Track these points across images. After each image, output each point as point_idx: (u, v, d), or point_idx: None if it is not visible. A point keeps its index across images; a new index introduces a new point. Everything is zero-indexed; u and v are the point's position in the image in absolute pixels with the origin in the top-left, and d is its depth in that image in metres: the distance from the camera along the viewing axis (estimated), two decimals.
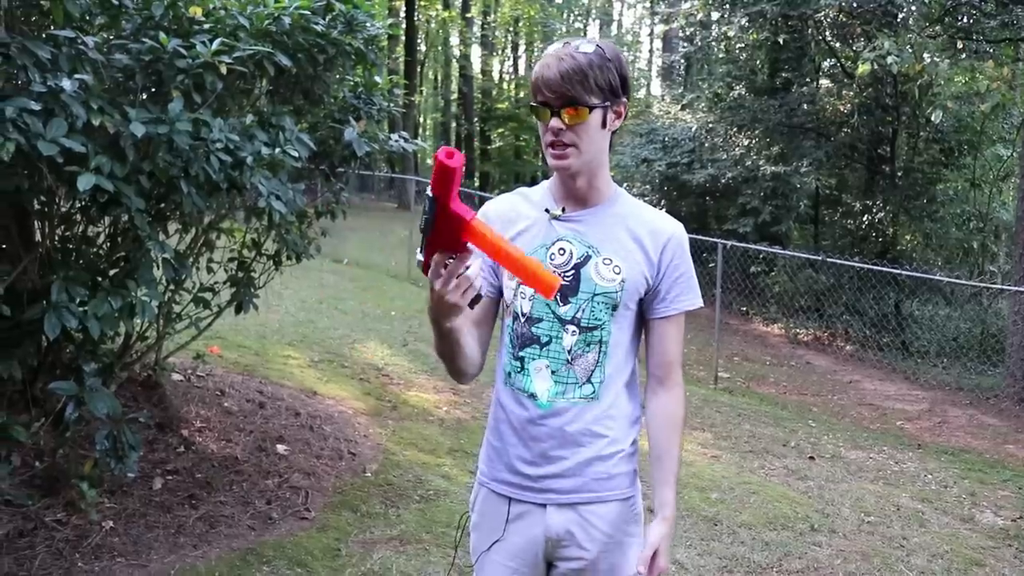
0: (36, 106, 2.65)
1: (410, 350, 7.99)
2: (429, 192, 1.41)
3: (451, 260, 1.46)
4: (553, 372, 1.79)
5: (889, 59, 9.60)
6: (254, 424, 4.99)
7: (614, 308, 1.79)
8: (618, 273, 1.78)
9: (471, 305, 1.52)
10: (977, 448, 7.30)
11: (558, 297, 1.77)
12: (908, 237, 14.75)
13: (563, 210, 1.83)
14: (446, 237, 1.45)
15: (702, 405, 7.65)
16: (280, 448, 4.72)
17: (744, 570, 4.09)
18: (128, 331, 4.01)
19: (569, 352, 1.79)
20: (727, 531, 4.54)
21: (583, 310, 1.78)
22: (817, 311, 13.16)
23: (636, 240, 1.81)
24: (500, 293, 1.90)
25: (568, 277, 1.78)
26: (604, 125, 1.75)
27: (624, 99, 1.78)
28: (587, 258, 1.79)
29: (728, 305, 12.45)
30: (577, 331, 1.78)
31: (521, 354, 1.82)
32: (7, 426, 3.10)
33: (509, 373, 1.85)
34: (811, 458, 6.29)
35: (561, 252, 1.80)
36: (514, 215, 1.87)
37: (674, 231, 1.86)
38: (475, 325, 1.83)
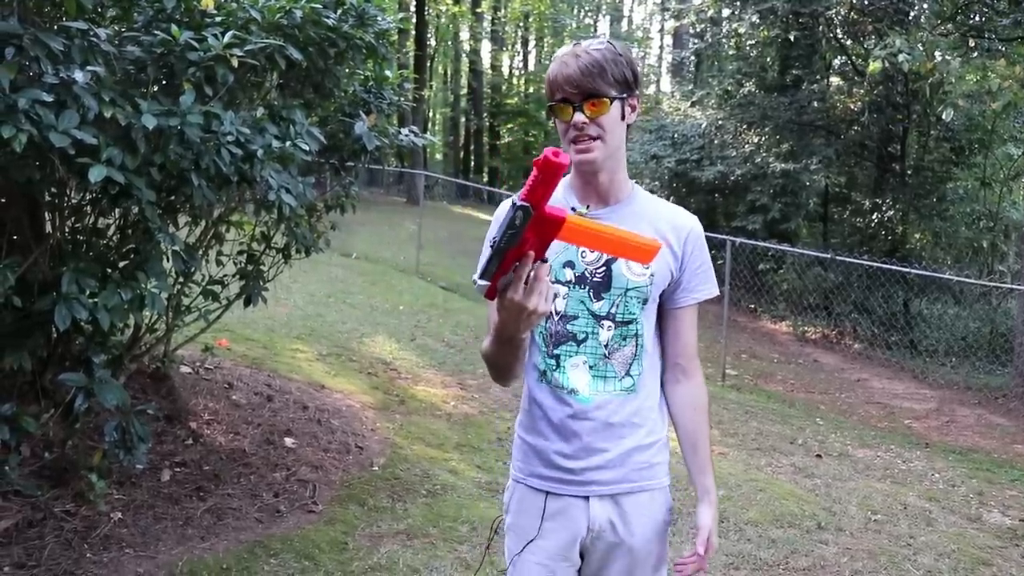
0: (48, 97, 2.65)
1: (418, 345, 8.00)
2: (520, 201, 1.32)
3: (526, 268, 1.41)
4: (591, 367, 1.84)
5: (900, 57, 9.56)
6: (262, 417, 5.00)
7: (645, 302, 1.84)
8: (647, 269, 1.83)
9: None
10: (985, 448, 7.27)
11: (591, 293, 1.83)
12: (917, 236, 14.70)
13: (588, 207, 1.86)
14: (532, 245, 1.38)
15: (709, 402, 7.62)
16: (288, 441, 4.73)
17: (750, 567, 4.09)
18: (137, 323, 4.02)
19: (606, 347, 1.84)
20: (734, 528, 4.53)
21: (617, 305, 1.83)
22: (825, 309, 13.13)
23: (660, 235, 1.85)
24: None
25: (600, 274, 1.83)
26: (623, 117, 1.80)
27: (637, 92, 1.83)
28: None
29: (736, 302, 12.45)
30: (613, 326, 1.84)
31: (556, 352, 1.86)
32: (17, 417, 3.11)
33: (544, 371, 1.87)
34: (818, 456, 6.27)
35: (591, 250, 1.84)
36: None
37: (693, 225, 1.92)
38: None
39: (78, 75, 2.75)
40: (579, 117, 1.75)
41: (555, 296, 1.81)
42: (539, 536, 1.88)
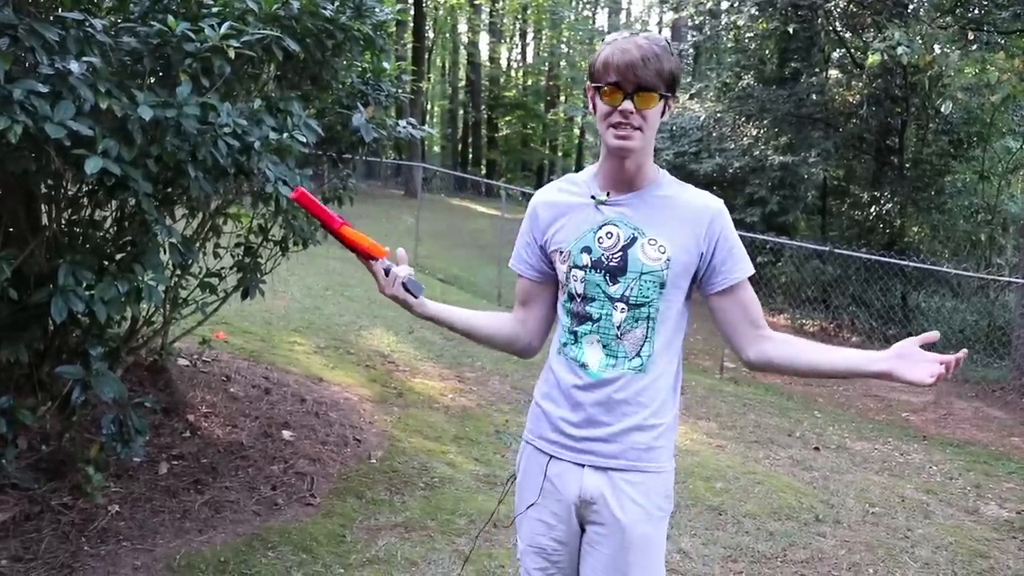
0: (44, 88, 2.64)
1: (416, 337, 7.99)
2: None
3: (374, 263, 1.98)
4: (604, 346, 1.91)
5: (899, 50, 9.56)
6: (260, 410, 4.99)
7: (662, 286, 1.89)
8: (663, 252, 1.88)
9: (412, 294, 2.01)
10: (982, 440, 7.29)
11: (607, 277, 1.89)
12: (915, 229, 14.71)
13: (608, 195, 1.93)
14: (353, 248, 1.97)
15: (707, 395, 7.64)
16: (286, 434, 4.73)
17: (748, 560, 4.09)
18: (135, 315, 4.01)
19: (618, 328, 1.90)
20: (732, 521, 4.54)
21: (631, 288, 1.88)
22: (823, 302, 13.15)
23: (681, 220, 1.90)
24: (544, 276, 2.06)
25: (617, 259, 1.89)
26: (663, 114, 1.87)
27: (675, 95, 1.90)
28: (633, 239, 1.89)
29: None
30: (626, 308, 1.89)
31: (576, 329, 1.95)
32: (14, 409, 3.10)
33: (564, 344, 1.98)
34: (816, 449, 6.28)
35: (608, 235, 1.91)
36: (561, 203, 2.00)
37: (718, 207, 1.94)
38: (521, 305, 2.13)
39: (74, 66, 2.73)
40: (628, 105, 1.81)
41: (576, 279, 1.94)
42: (540, 496, 2.00)
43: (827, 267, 13.07)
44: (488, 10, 34.28)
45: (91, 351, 3.21)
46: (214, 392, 5.00)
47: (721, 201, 1.97)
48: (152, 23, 3.17)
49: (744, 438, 6.34)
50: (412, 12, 25.09)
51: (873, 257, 10.46)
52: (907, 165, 14.55)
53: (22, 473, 3.44)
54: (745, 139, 15.57)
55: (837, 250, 11.15)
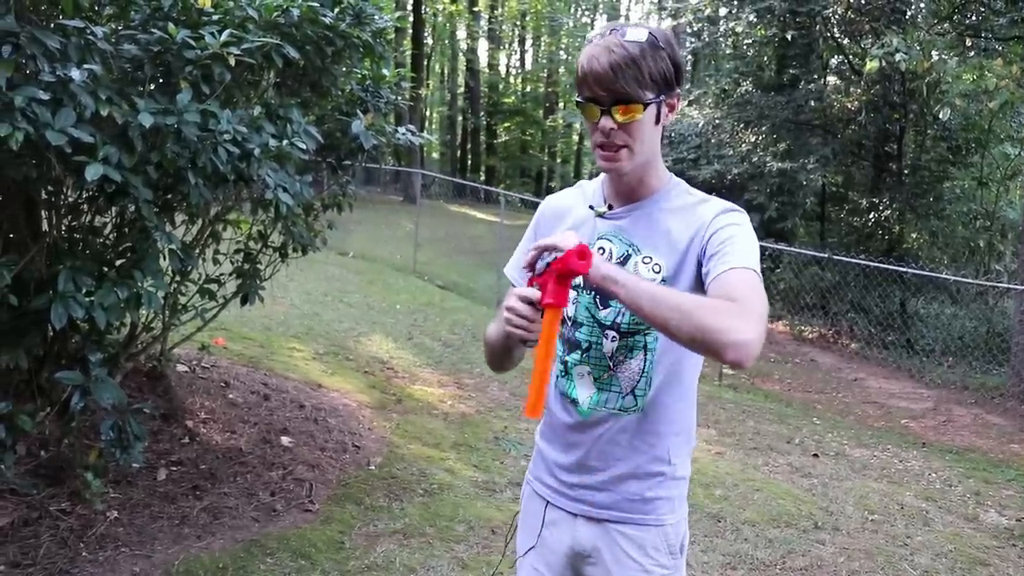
0: (45, 96, 2.65)
1: (415, 344, 7.99)
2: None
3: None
4: (596, 379, 1.71)
5: (897, 56, 9.58)
6: (259, 416, 4.99)
7: None
8: (658, 272, 1.64)
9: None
10: (982, 447, 7.28)
11: (598, 300, 1.69)
12: (914, 235, 14.71)
13: (609, 207, 1.72)
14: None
15: (706, 402, 7.64)
16: (284, 440, 4.73)
17: (748, 567, 4.09)
18: (134, 321, 4.01)
19: (611, 358, 1.69)
20: (731, 528, 4.53)
21: (622, 314, 1.66)
22: (822, 308, 13.14)
23: (681, 234, 1.64)
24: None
25: None
26: (658, 121, 1.61)
27: (677, 90, 1.62)
28: (627, 257, 1.68)
29: None
30: (617, 336, 1.67)
31: (566, 358, 1.75)
32: (13, 415, 3.10)
33: (558, 376, 1.78)
34: (815, 456, 6.28)
35: (601, 251, 1.69)
36: (565, 212, 1.81)
37: (720, 209, 1.64)
38: None
39: (75, 73, 2.74)
40: (606, 122, 1.57)
41: (570, 300, 1.69)
42: (539, 543, 1.83)
43: (826, 273, 13.07)
44: (487, 17, 34.36)
45: (90, 357, 3.22)
46: (213, 398, 5.00)
47: (725, 206, 1.66)
48: (153, 30, 3.18)
49: (743, 445, 6.34)
50: (411, 19, 25.14)
51: (872, 263, 10.46)
52: (906, 171, 14.56)
53: (21, 479, 3.44)
54: (744, 145, 15.59)
55: (836, 256, 11.16)
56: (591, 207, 1.75)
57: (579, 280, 1.60)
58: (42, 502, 3.50)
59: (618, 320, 1.67)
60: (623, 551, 1.71)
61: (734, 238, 1.57)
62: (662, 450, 1.71)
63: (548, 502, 1.81)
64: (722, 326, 1.36)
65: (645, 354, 1.67)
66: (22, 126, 2.56)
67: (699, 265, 1.60)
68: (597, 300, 1.69)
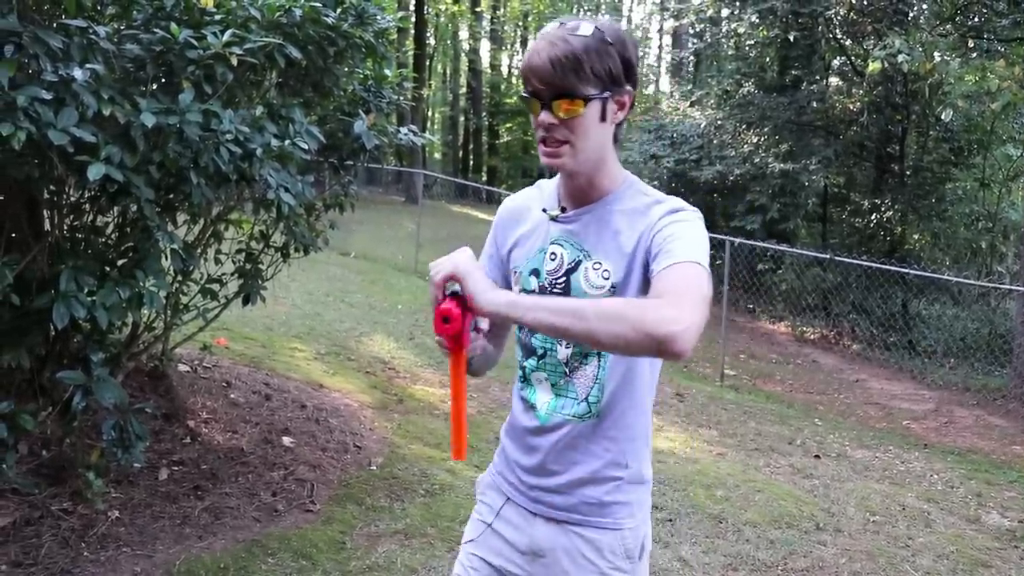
0: (47, 95, 2.65)
1: (416, 344, 7.99)
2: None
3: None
4: (552, 385, 1.70)
5: (900, 57, 9.58)
6: (260, 416, 4.99)
7: None
8: (607, 278, 1.60)
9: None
10: (984, 449, 7.28)
11: None
12: (916, 236, 14.71)
13: (563, 209, 1.69)
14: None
15: (708, 403, 7.64)
16: (286, 440, 4.73)
17: (749, 568, 4.08)
18: (136, 321, 4.01)
19: (566, 365, 1.67)
20: (732, 529, 4.53)
21: None
22: (824, 309, 13.14)
23: (629, 238, 1.60)
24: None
25: (560, 285, 1.66)
26: (604, 118, 1.57)
27: (628, 88, 1.58)
28: (577, 263, 1.64)
29: (735, 302, 12.45)
30: (572, 343, 1.65)
31: (524, 364, 1.75)
32: (15, 414, 3.10)
33: (518, 380, 1.79)
34: (817, 457, 6.27)
35: (553, 257, 1.67)
36: (522, 214, 1.77)
37: (668, 209, 1.58)
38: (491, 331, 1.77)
39: (77, 73, 2.74)
40: (546, 117, 1.54)
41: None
42: (488, 534, 1.82)
43: (828, 274, 13.07)
44: (489, 17, 34.38)
45: (92, 356, 3.22)
46: (215, 398, 5.00)
47: (676, 204, 1.60)
48: (155, 30, 3.19)
49: (745, 446, 6.33)
50: (413, 19, 25.16)
51: (874, 265, 10.46)
52: (908, 172, 14.56)
53: (23, 478, 3.44)
54: (746, 146, 15.58)
55: (838, 257, 11.15)
56: (544, 210, 1.72)
57: (536, 286, 1.66)
58: (44, 502, 3.50)
59: None
60: (580, 553, 1.70)
61: (677, 234, 1.53)
62: (618, 455, 1.69)
63: (508, 498, 1.80)
64: (644, 323, 1.33)
65: (599, 360, 1.65)
66: (24, 125, 2.57)
67: (646, 267, 1.56)
68: None
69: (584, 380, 1.66)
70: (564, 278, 1.65)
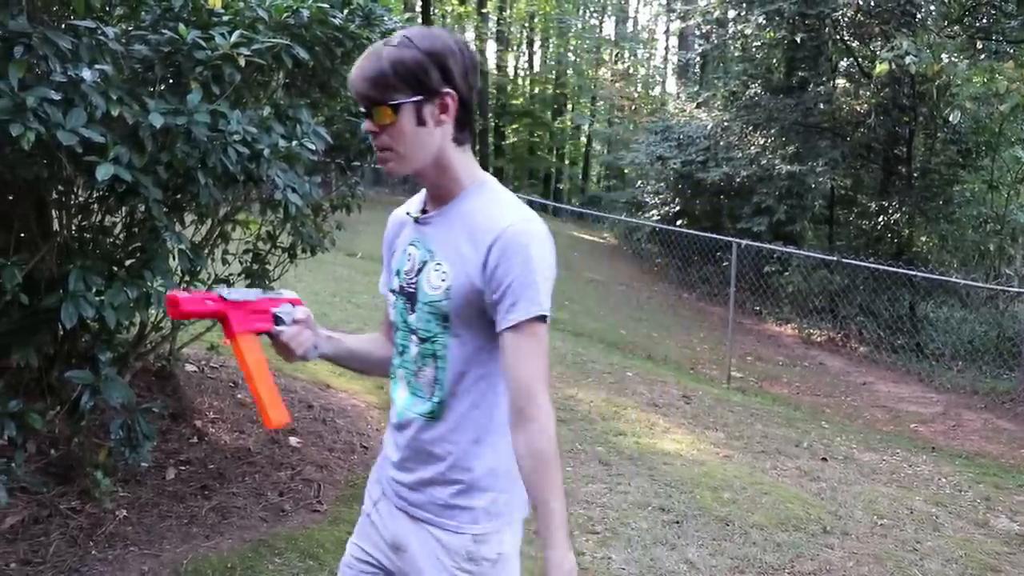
0: (56, 96, 2.65)
1: None
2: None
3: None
4: (407, 383, 1.74)
5: (907, 59, 9.57)
6: None
7: (445, 318, 1.65)
8: (444, 281, 1.64)
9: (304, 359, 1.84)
10: (992, 452, 7.25)
11: (408, 305, 1.72)
12: (924, 238, 14.68)
13: (423, 211, 1.74)
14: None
15: (715, 404, 7.62)
16: (293, 441, 4.73)
17: (756, 571, 4.08)
18: (143, 321, 4.02)
19: (415, 363, 1.71)
20: (739, 531, 4.52)
21: (420, 320, 1.68)
22: (831, 312, 13.12)
23: (469, 241, 1.63)
24: None
25: (412, 285, 1.71)
26: (422, 122, 1.60)
27: (447, 90, 1.60)
28: (424, 264, 1.69)
29: (741, 304, 12.43)
30: (418, 342, 1.70)
31: (393, 361, 1.81)
32: (23, 413, 3.11)
33: (391, 376, 1.84)
34: (824, 459, 6.26)
35: (409, 258, 1.73)
36: (402, 221, 1.82)
37: (504, 229, 1.59)
38: (387, 326, 1.87)
39: (86, 73, 2.75)
40: (368, 125, 1.62)
41: (391, 303, 1.80)
42: (368, 524, 1.86)
43: (835, 277, 13.05)
44: (495, 18, 34.39)
45: (100, 356, 3.22)
46: (221, 398, 5.01)
47: (519, 222, 1.60)
48: (163, 31, 3.19)
49: (751, 448, 6.32)
50: (420, 20, 25.18)
51: (881, 267, 10.43)
52: (915, 174, 14.53)
53: (31, 477, 3.45)
54: (752, 148, 15.58)
55: (845, 260, 11.13)
56: (407, 213, 1.78)
57: (398, 285, 1.75)
58: (52, 500, 3.51)
59: (417, 326, 1.70)
60: (432, 551, 1.72)
61: (519, 273, 1.56)
62: (460, 458, 1.69)
63: (383, 492, 1.84)
64: (551, 441, 1.56)
65: (435, 361, 1.68)
66: (34, 126, 2.57)
67: (479, 290, 1.61)
68: (407, 304, 1.72)
69: (426, 379, 1.70)
70: (415, 278, 1.70)
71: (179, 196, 3.48)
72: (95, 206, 3.60)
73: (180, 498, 3.87)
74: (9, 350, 3.25)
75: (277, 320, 1.78)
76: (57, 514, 3.46)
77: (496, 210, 1.63)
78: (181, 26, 3.16)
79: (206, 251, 4.08)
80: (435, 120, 1.61)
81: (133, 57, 3.20)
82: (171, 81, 3.35)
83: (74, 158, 2.83)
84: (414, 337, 1.70)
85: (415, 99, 1.58)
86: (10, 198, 3.42)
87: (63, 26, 2.94)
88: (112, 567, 3.27)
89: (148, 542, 3.48)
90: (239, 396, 5.17)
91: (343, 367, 1.96)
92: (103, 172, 2.75)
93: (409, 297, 1.70)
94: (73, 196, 3.50)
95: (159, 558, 3.39)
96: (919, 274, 10.75)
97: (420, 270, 1.68)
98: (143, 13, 3.36)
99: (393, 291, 1.77)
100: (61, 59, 2.77)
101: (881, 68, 10.44)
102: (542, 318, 1.57)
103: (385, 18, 4.12)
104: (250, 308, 1.74)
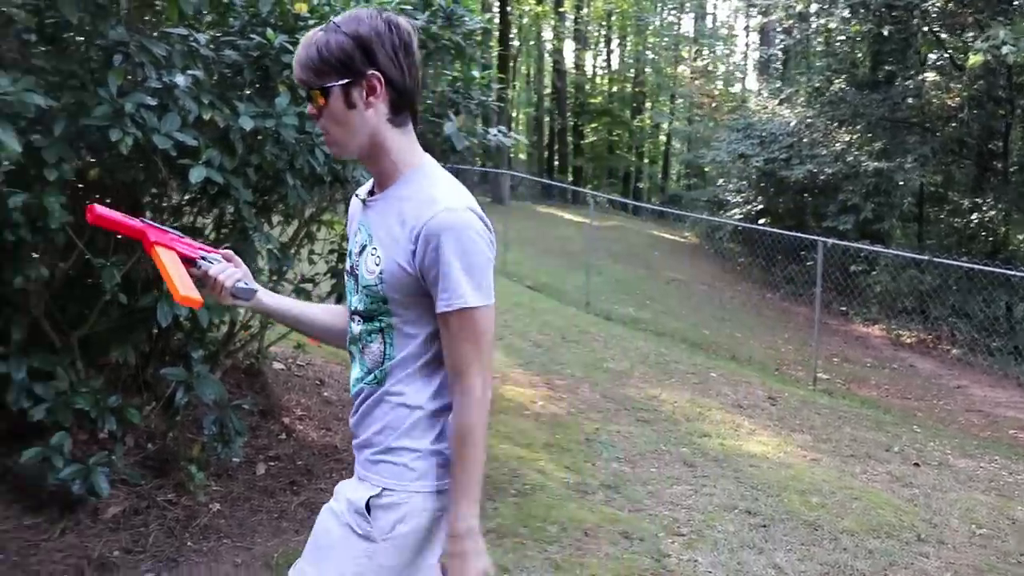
0: (152, 101, 2.74)
1: (505, 344, 8.01)
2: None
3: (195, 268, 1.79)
4: (358, 358, 1.79)
5: (1004, 49, 9.20)
6: None
7: (384, 300, 1.68)
8: (378, 265, 1.67)
9: (236, 297, 1.81)
10: None
11: (355, 285, 1.76)
12: (1021, 236, 14.08)
13: (370, 194, 1.78)
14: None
15: (800, 406, 7.44)
16: None
17: None
18: (233, 320, 4.12)
19: (360, 340, 1.76)
20: (828, 536, 4.39)
21: (362, 300, 1.73)
22: (921, 312, 12.69)
23: (401, 227, 1.65)
24: None
25: (357, 267, 1.75)
26: (351, 104, 1.64)
27: (372, 72, 1.62)
28: (363, 247, 1.73)
29: (827, 304, 12.10)
30: (361, 320, 1.74)
31: (348, 335, 1.84)
32: (122, 408, 3.22)
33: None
34: (916, 465, 6.04)
35: (357, 241, 1.77)
36: (358, 199, 1.84)
37: (430, 219, 1.60)
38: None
39: (179, 79, 2.83)
40: (310, 109, 1.68)
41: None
42: (345, 484, 1.84)
43: (925, 276, 12.61)
44: (573, 17, 34.30)
45: (193, 354, 3.32)
46: (308, 395, 5.11)
47: (448, 210, 1.61)
48: (251, 36, 3.27)
49: (840, 452, 6.14)
50: (497, 20, 25.29)
51: (976, 266, 10.02)
52: (1012, 170, 13.95)
53: (130, 469, 3.57)
54: (837, 145, 15.17)
55: (937, 259, 10.74)
56: (356, 195, 1.83)
57: (348, 265, 1.80)
58: (150, 492, 3.62)
59: (359, 306, 1.74)
60: (353, 489, 1.77)
61: (446, 268, 1.60)
62: (392, 421, 1.73)
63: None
64: (482, 414, 1.66)
65: (382, 335, 1.72)
66: (131, 131, 2.66)
67: (412, 275, 1.64)
68: (355, 285, 1.76)
69: (372, 354, 1.73)
70: (359, 261, 1.74)
71: (267, 197, 3.56)
72: (187, 208, 3.71)
73: (270, 493, 3.95)
74: (108, 347, 3.37)
75: (204, 260, 1.82)
76: (155, 506, 3.57)
77: (427, 197, 1.65)
78: (269, 31, 3.24)
79: (293, 251, 4.16)
80: (364, 102, 1.64)
81: (223, 62, 3.28)
82: (259, 85, 3.43)
83: (168, 161, 2.92)
84: (356, 317, 1.76)
85: (342, 82, 1.62)
86: (108, 201, 3.55)
87: (156, 33, 3.03)
88: (207, 558, 3.36)
89: (240, 535, 3.57)
90: (325, 394, 5.26)
91: (297, 331, 2.05)
92: (196, 174, 2.83)
93: (356, 279, 1.75)
94: (166, 198, 3.61)
95: (251, 551, 3.46)
96: (1017, 273, 10.29)
97: (361, 252, 1.73)
98: (231, 19, 3.44)
99: (346, 272, 1.82)
100: (156, 66, 2.86)
101: (975, 59, 10.04)
102: (477, 310, 1.62)
103: (466, 19, 4.14)
104: (173, 238, 1.79)
